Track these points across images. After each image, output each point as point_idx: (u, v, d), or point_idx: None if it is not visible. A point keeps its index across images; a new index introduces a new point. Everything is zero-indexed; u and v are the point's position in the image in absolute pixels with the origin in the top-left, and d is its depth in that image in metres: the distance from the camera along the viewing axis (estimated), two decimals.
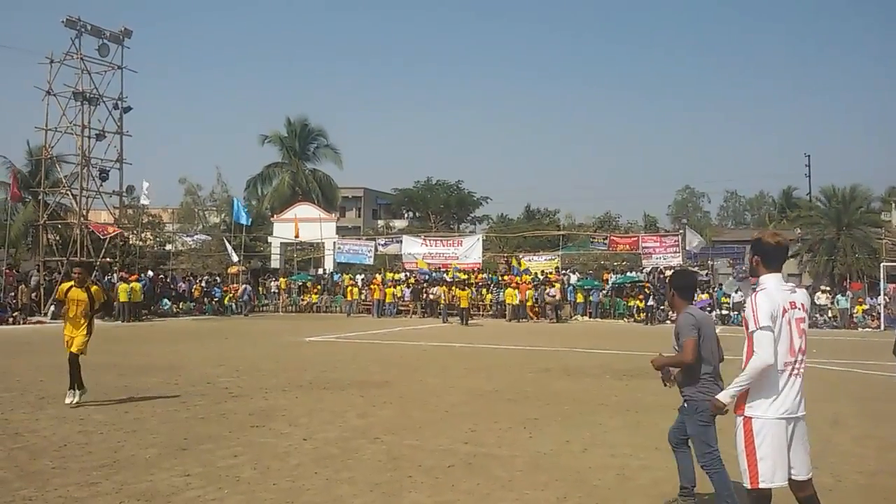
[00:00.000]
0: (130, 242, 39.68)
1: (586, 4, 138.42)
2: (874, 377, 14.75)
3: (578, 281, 36.60)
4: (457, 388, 12.10)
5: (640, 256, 38.33)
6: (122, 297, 29.69)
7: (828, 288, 35.36)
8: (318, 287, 40.57)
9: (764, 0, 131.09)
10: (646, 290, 34.16)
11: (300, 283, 40.88)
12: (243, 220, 39.57)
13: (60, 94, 33.12)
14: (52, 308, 29.77)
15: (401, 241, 43.04)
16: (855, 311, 32.87)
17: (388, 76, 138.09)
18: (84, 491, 6.08)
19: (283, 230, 43.45)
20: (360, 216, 74.46)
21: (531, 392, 11.81)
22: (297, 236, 41.13)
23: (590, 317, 34.76)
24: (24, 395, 10.89)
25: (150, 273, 35.36)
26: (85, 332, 10.31)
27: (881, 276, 32.67)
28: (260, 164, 60.06)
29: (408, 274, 39.87)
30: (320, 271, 43.51)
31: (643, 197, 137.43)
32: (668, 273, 36.88)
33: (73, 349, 10.15)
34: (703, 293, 35.18)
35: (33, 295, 30.52)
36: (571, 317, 34.96)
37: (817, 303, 33.03)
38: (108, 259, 33.84)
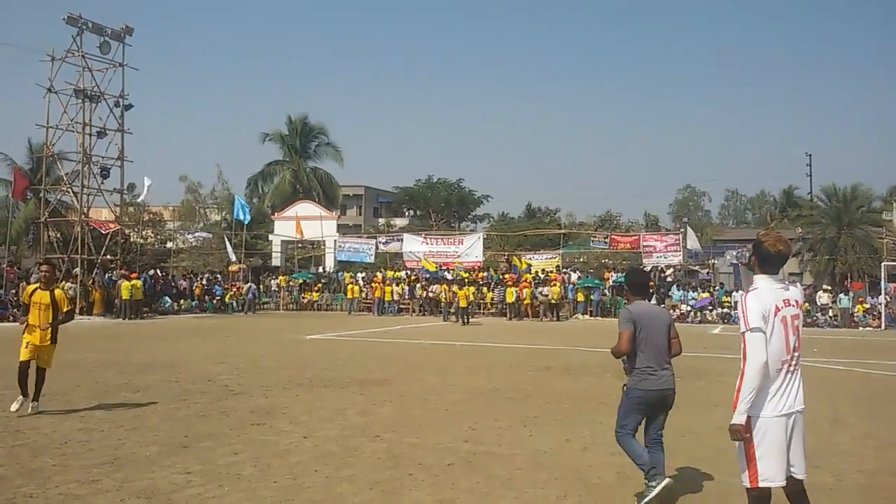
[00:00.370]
0: (131, 240, 39.71)
1: (587, 4, 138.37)
2: (875, 376, 14.74)
3: (579, 280, 36.60)
4: (457, 387, 12.11)
5: (641, 255, 38.30)
6: (125, 295, 29.74)
7: (829, 287, 35.32)
8: (319, 285, 40.60)
9: (768, 2, 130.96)
10: (650, 288, 34.12)
11: (301, 281, 40.92)
12: (241, 217, 39.56)
13: (62, 91, 33.10)
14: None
15: (401, 240, 43.06)
16: (856, 310, 32.85)
17: (389, 74, 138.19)
18: (85, 488, 6.09)
19: (284, 228, 43.47)
20: (360, 214, 74.46)
21: (531, 390, 11.81)
22: (301, 235, 41.12)
23: (591, 315, 34.75)
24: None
25: (150, 272, 35.41)
26: (50, 343, 9.35)
27: (882, 275, 32.64)
28: (261, 162, 60.23)
29: (409, 272, 39.88)
30: (321, 269, 43.54)
31: (644, 196, 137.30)
32: (669, 272, 37.03)
33: (41, 363, 9.30)
34: (703, 291, 35.22)
35: None
36: (572, 315, 34.96)
37: (819, 302, 33.02)
38: (108, 256, 33.85)
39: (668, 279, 36.58)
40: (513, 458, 7.33)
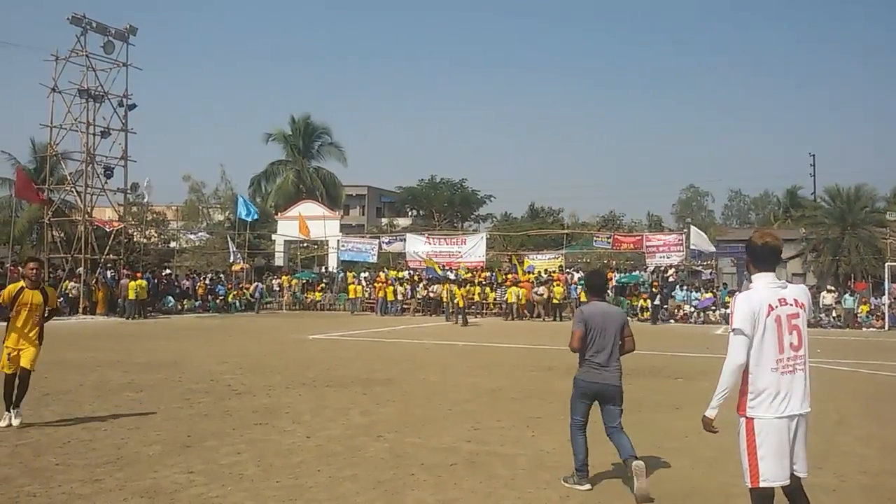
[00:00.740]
0: (134, 240, 39.77)
1: (591, 3, 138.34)
2: (879, 377, 14.72)
3: (581, 280, 36.54)
4: (459, 387, 12.11)
5: (644, 255, 38.27)
6: (131, 295, 29.79)
7: (833, 288, 35.26)
8: (322, 285, 40.62)
9: (771, 2, 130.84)
10: (653, 288, 34.08)
11: (304, 281, 40.97)
12: (244, 216, 39.57)
13: (65, 91, 33.15)
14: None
15: (404, 240, 43.08)
16: (860, 311, 32.80)
17: (393, 74, 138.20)
18: (88, 487, 6.10)
19: (287, 228, 43.50)
20: (363, 214, 74.48)
21: (534, 390, 11.81)
22: (306, 234, 41.12)
23: None
24: (29, 392, 10.87)
25: (165, 272, 35.52)
26: (37, 343, 8.60)
27: (886, 275, 32.58)
28: (264, 162, 60.24)
29: (411, 272, 39.90)
30: (324, 269, 43.56)
31: (647, 196, 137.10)
32: (671, 272, 36.97)
33: (24, 363, 8.42)
34: (707, 292, 35.17)
35: None
36: None
37: (823, 303, 32.96)
38: (112, 256, 33.90)
39: (671, 279, 36.54)
40: (515, 459, 7.34)
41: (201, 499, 5.88)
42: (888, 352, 19.83)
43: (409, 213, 71.40)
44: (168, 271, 38.74)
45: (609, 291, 35.76)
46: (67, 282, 31.11)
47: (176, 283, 36.78)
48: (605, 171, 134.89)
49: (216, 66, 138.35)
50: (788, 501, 4.48)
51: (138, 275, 31.54)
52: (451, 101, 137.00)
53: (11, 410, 8.40)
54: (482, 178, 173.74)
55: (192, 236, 46.23)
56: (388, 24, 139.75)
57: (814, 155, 55.83)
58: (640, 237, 40.09)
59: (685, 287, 35.77)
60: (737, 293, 4.43)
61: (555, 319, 33.26)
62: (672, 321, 33.40)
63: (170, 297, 34.45)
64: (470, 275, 38.03)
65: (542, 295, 33.79)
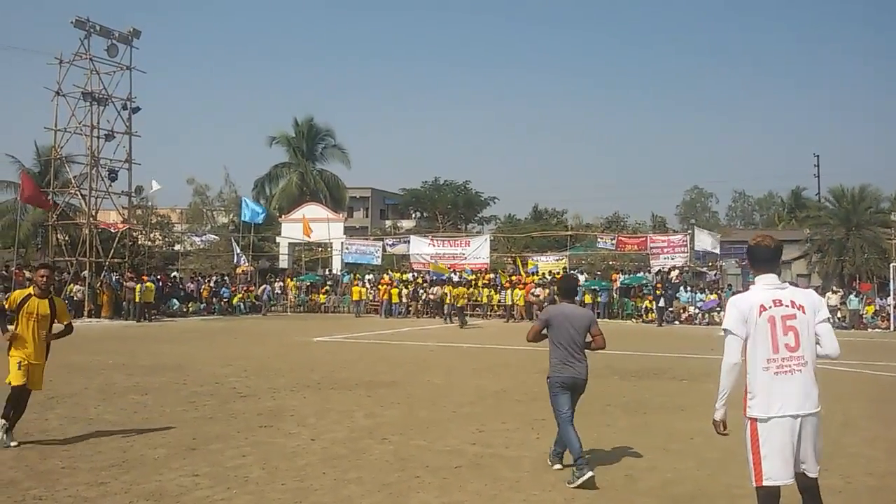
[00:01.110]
0: (139, 243, 39.83)
1: (594, 4, 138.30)
2: (884, 378, 14.68)
3: (586, 281, 36.54)
4: (464, 389, 12.11)
5: (649, 257, 38.20)
6: (138, 298, 29.84)
7: (839, 290, 35.18)
8: (327, 287, 40.65)
9: (774, 2, 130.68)
10: (657, 290, 34.04)
11: (308, 284, 41.01)
12: (247, 218, 39.60)
13: (69, 94, 33.21)
14: None
15: (408, 242, 43.06)
16: (865, 311, 32.71)
17: (396, 76, 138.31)
18: (93, 491, 6.11)
19: (291, 230, 43.53)
20: (367, 216, 74.52)
21: (538, 392, 11.74)
22: (308, 234, 41.13)
23: (598, 317, 34.62)
24: (33, 394, 10.88)
25: (175, 275, 35.61)
26: (44, 360, 7.92)
27: (891, 276, 32.50)
28: (268, 164, 60.26)
29: (415, 274, 39.89)
30: (328, 271, 43.58)
31: (651, 197, 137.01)
32: (674, 273, 36.90)
33: (35, 384, 7.80)
34: (711, 293, 35.10)
35: None
36: None
37: (828, 304, 32.86)
38: (117, 259, 33.95)
39: (674, 280, 36.48)
40: (520, 461, 7.33)
41: (206, 501, 5.88)
42: (893, 353, 19.76)
43: (413, 215, 71.42)
44: (175, 273, 38.75)
45: (615, 293, 35.88)
46: (72, 285, 31.16)
47: (181, 286, 36.82)
48: (608, 173, 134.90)
49: (219, 68, 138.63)
50: (803, 501, 4.48)
51: (144, 277, 31.59)
52: (454, 102, 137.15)
53: (4, 434, 7.56)
54: (486, 180, 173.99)
55: (197, 239, 46.30)
56: (391, 25, 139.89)
57: (818, 156, 55.82)
58: (644, 238, 40.00)
59: (690, 288, 35.71)
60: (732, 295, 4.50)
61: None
62: (677, 322, 33.34)
63: (174, 300, 34.49)
64: (473, 277, 38.02)
65: (538, 297, 33.75)
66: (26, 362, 7.63)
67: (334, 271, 42.85)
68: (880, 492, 6.51)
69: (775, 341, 4.29)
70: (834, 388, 12.17)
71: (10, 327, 7.81)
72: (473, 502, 6.00)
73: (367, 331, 25.84)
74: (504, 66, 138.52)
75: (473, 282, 37.52)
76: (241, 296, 37.40)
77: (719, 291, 35.32)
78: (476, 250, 40.71)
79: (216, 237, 46.55)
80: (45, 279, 7.94)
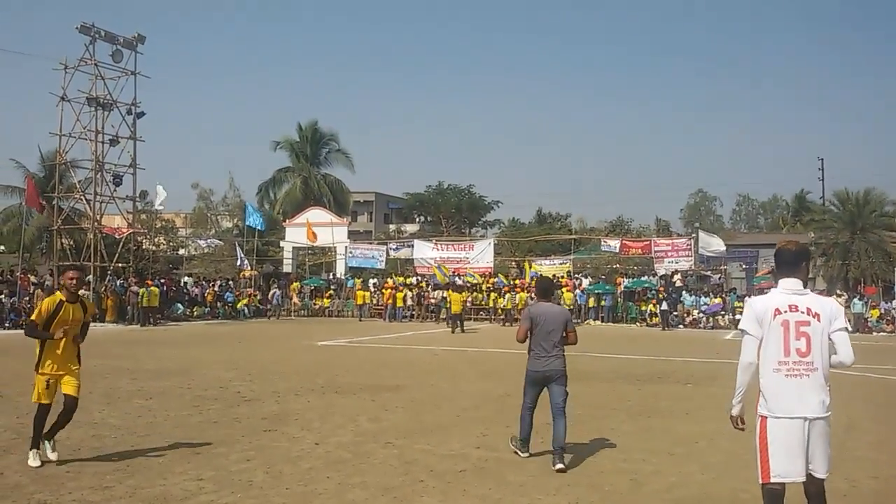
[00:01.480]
0: (143, 247, 39.90)
1: (598, 8, 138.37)
2: (889, 382, 14.64)
3: (590, 285, 36.51)
4: (468, 393, 12.10)
5: (653, 260, 38.15)
6: (145, 302, 29.88)
7: (843, 293, 35.10)
8: (331, 291, 40.68)
9: (777, 3, 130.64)
10: (660, 294, 34.01)
11: (312, 288, 41.05)
12: (254, 224, 39.69)
13: (74, 99, 33.33)
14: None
15: (412, 246, 43.06)
16: (870, 315, 32.63)
17: (400, 81, 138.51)
18: (98, 495, 6.11)
19: (295, 235, 43.58)
20: (371, 220, 74.61)
21: (542, 396, 11.77)
22: (313, 240, 41.17)
23: (602, 321, 34.66)
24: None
25: (185, 279, 35.69)
26: (78, 366, 7.41)
27: (895, 280, 32.44)
28: (272, 168, 60.39)
29: (419, 278, 39.89)
30: (332, 276, 43.59)
31: (655, 201, 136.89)
32: (677, 277, 36.84)
33: (70, 391, 7.22)
34: (715, 297, 35.05)
35: None
36: (584, 321, 34.89)
37: None
38: (121, 264, 34.03)
39: (677, 284, 36.44)
40: (525, 465, 7.32)
41: None
42: None
43: (417, 220, 71.47)
44: (187, 279, 38.78)
45: (619, 297, 35.84)
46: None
47: (185, 290, 36.87)
48: (613, 177, 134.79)
49: (224, 73, 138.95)
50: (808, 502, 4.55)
51: (149, 282, 31.65)
52: (458, 106, 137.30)
53: (46, 442, 7.22)
54: (490, 184, 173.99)
55: (202, 242, 46.40)
56: (395, 30, 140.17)
57: (822, 159, 55.70)
58: (648, 242, 39.90)
59: (695, 292, 35.66)
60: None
61: None
62: (681, 326, 33.30)
63: (179, 304, 34.53)
64: (476, 281, 38.00)
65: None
66: (55, 379, 7.14)
67: (338, 275, 42.87)
68: (885, 495, 6.50)
69: (787, 345, 4.42)
70: (838, 392, 12.10)
71: (48, 339, 7.11)
72: None
73: (371, 335, 25.85)
74: (507, 70, 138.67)
75: (477, 286, 37.53)
76: (245, 300, 37.45)
77: (723, 295, 35.27)
78: (480, 254, 40.69)
79: (220, 242, 46.64)
80: (74, 282, 7.42)
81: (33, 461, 7.01)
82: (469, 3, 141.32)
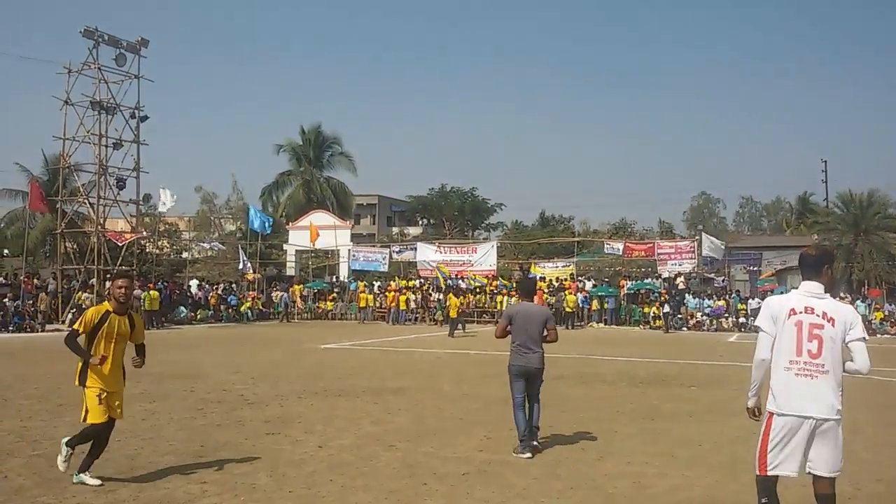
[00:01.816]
0: (147, 250, 39.94)
1: (599, 8, 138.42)
2: (893, 385, 14.60)
3: (593, 288, 36.48)
4: (471, 396, 12.10)
5: (656, 263, 38.11)
6: (147, 306, 29.88)
7: (847, 295, 35.03)
8: (334, 294, 40.69)
9: (780, 4, 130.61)
10: (662, 296, 33.97)
11: (315, 291, 41.06)
12: (257, 228, 39.73)
13: (78, 103, 33.40)
14: (70, 316, 30.02)
15: (415, 249, 43.07)
16: (873, 317, 32.56)
17: (403, 83, 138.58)
18: (101, 498, 6.12)
19: (298, 238, 43.61)
20: (374, 223, 74.64)
21: (546, 399, 11.69)
22: (314, 239, 41.15)
23: (605, 324, 34.62)
24: (42, 402, 10.97)
25: (199, 283, 35.75)
26: (123, 386, 6.78)
27: None
28: (275, 172, 60.46)
29: (422, 281, 39.89)
30: (335, 279, 43.61)
31: (658, 203, 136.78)
32: (680, 280, 36.80)
33: (117, 413, 6.68)
34: (719, 299, 35.01)
35: (51, 303, 30.76)
36: (587, 324, 34.90)
37: None
38: (125, 267, 34.06)
39: (681, 286, 36.40)
40: (528, 468, 7.32)
41: None
42: None
43: (420, 222, 71.51)
44: (194, 282, 38.83)
45: (623, 300, 35.80)
46: (81, 293, 31.28)
47: (189, 294, 36.92)
48: (616, 179, 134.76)
49: (226, 76, 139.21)
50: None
51: (150, 285, 31.67)
52: (461, 109, 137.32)
53: (84, 474, 6.52)
54: (493, 187, 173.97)
55: (206, 245, 46.45)
56: (398, 32, 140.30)
57: (826, 161, 55.55)
58: (651, 244, 39.83)
59: (698, 295, 35.62)
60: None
61: (567, 328, 33.08)
62: (685, 329, 33.25)
63: (182, 308, 34.55)
64: (480, 284, 38.01)
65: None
66: (106, 394, 6.48)
67: (341, 278, 42.89)
68: (890, 498, 6.49)
69: (799, 345, 4.55)
70: (842, 395, 12.13)
71: (94, 353, 6.50)
72: None
73: (375, 338, 25.84)
74: (509, 73, 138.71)
75: (482, 288, 37.53)
76: (248, 303, 37.48)
77: (727, 297, 35.23)
78: (483, 257, 40.67)
79: (223, 245, 46.67)
80: (124, 291, 6.62)
81: (92, 480, 6.42)
82: (471, 4, 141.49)
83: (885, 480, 6.98)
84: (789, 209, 73.68)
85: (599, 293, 35.68)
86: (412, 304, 36.86)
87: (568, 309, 33.59)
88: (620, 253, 39.26)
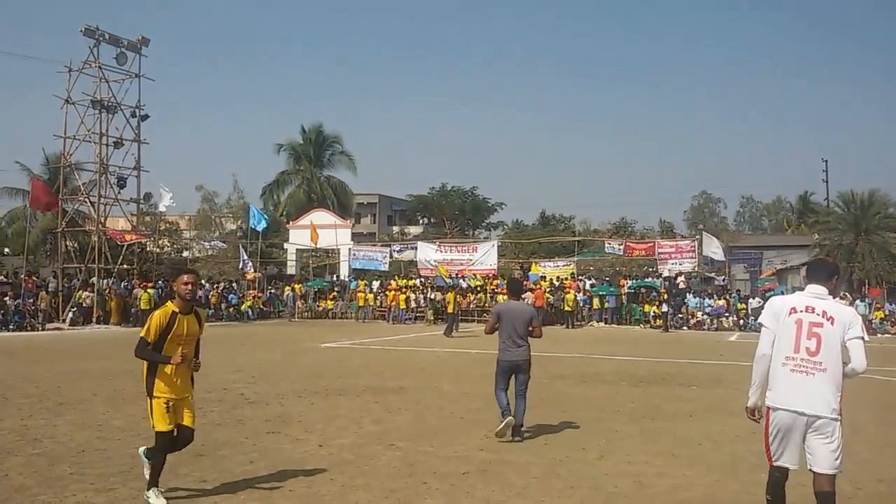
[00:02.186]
0: (148, 249, 39.96)
1: (600, 8, 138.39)
2: (894, 384, 14.60)
3: (594, 287, 36.47)
4: (472, 395, 12.09)
5: (657, 262, 38.10)
6: (143, 305, 29.87)
7: (847, 295, 35.02)
8: (334, 293, 40.71)
9: (781, 4, 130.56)
10: (661, 295, 33.96)
11: (315, 290, 41.09)
12: (257, 226, 39.75)
13: (79, 102, 33.44)
14: (71, 315, 30.05)
15: (416, 248, 43.07)
16: (874, 317, 32.55)
17: (403, 82, 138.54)
18: (102, 497, 6.12)
19: (298, 237, 43.63)
20: (375, 222, 74.66)
21: (546, 398, 11.77)
22: (315, 241, 41.19)
23: (605, 323, 34.62)
24: (42, 401, 10.97)
25: (209, 286, 35.83)
26: (192, 390, 6.28)
27: None
28: (275, 171, 60.53)
29: (423, 280, 39.89)
30: (335, 278, 43.62)
31: (659, 203, 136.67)
32: (680, 279, 36.78)
33: (188, 421, 6.11)
34: (719, 299, 34.99)
35: (51, 301, 30.79)
36: (587, 323, 34.89)
37: None
38: (125, 266, 34.07)
39: (681, 286, 36.38)
40: (528, 467, 7.31)
41: None
42: None
43: (421, 221, 71.51)
44: (206, 284, 38.89)
45: (623, 299, 35.78)
46: (81, 291, 31.29)
47: None
48: (616, 178, 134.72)
49: (227, 75, 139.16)
50: (816, 501, 4.75)
51: (146, 284, 31.66)
52: (462, 108, 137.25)
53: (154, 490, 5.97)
54: (493, 186, 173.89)
55: (207, 244, 46.46)
56: (399, 32, 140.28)
57: (826, 160, 55.50)
58: (651, 244, 39.82)
59: (699, 294, 35.59)
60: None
61: (568, 327, 33.11)
62: (685, 328, 33.24)
63: None
64: (480, 282, 38.02)
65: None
66: (174, 402, 6.00)
67: (342, 277, 42.91)
68: (891, 498, 6.49)
69: (798, 342, 4.68)
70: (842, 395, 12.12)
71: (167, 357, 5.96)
72: None
73: (375, 337, 25.84)
74: (510, 72, 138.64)
75: (482, 287, 37.53)
76: (249, 302, 37.49)
77: (727, 297, 35.22)
78: (484, 256, 40.66)
79: (224, 244, 46.69)
80: (190, 288, 6.10)
81: (156, 501, 5.88)
82: (472, 4, 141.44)
83: (885, 480, 6.98)
84: (790, 209, 73.69)
85: (600, 292, 35.66)
86: (412, 304, 36.85)
87: (567, 308, 33.61)
88: (621, 252, 39.26)
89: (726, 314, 33.85)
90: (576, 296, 34.51)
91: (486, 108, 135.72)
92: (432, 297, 35.65)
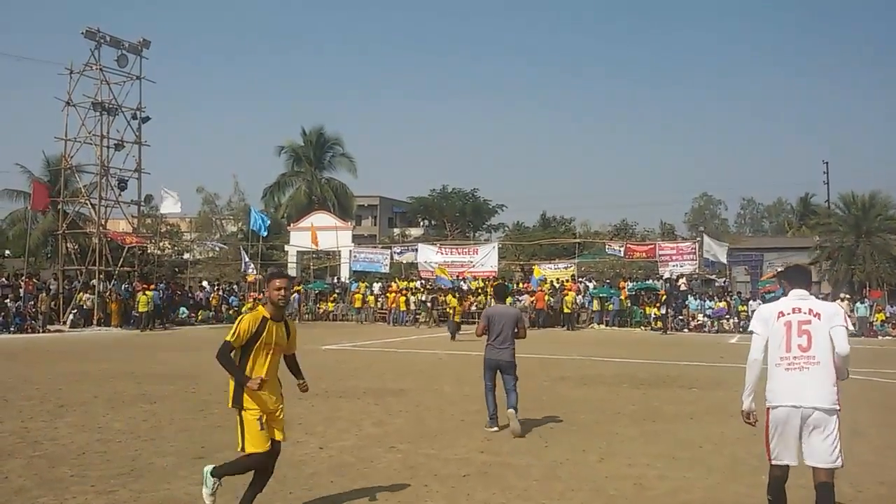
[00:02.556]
0: (148, 251, 39.98)
1: (601, 8, 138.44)
2: (894, 386, 14.58)
3: (594, 289, 36.44)
4: (472, 397, 12.07)
5: (657, 264, 38.06)
6: (142, 308, 29.88)
7: (847, 295, 34.97)
8: (335, 295, 40.69)
9: (780, 5, 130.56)
10: (661, 297, 33.93)
11: (316, 292, 41.07)
12: (258, 230, 39.77)
13: (80, 104, 33.45)
14: (71, 317, 30.05)
15: (416, 250, 43.06)
16: (874, 319, 32.51)
17: (404, 84, 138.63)
18: (102, 499, 6.12)
19: (299, 239, 43.63)
20: (375, 224, 74.63)
21: (547, 401, 11.77)
22: (316, 245, 41.20)
23: (606, 325, 34.59)
24: (42, 403, 10.97)
25: (212, 286, 35.82)
26: (282, 403, 5.77)
27: None
28: (276, 173, 60.49)
29: (423, 282, 39.89)
30: (336, 280, 43.62)
31: (660, 205, 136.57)
32: (681, 281, 36.75)
33: (280, 434, 5.68)
34: (720, 301, 34.95)
35: (52, 303, 30.79)
36: (588, 325, 34.86)
37: None
38: (126, 268, 34.07)
39: (682, 288, 36.34)
40: (529, 469, 7.31)
41: None
42: None
43: (421, 223, 71.48)
44: (205, 285, 38.81)
45: (626, 300, 35.75)
46: (82, 293, 31.30)
47: (190, 294, 36.88)
48: (617, 180, 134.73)
49: (229, 77, 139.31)
50: (816, 497, 4.85)
51: (146, 286, 31.66)
52: (462, 110, 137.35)
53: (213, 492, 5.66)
54: (494, 188, 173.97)
55: (211, 245, 46.44)
56: (400, 33, 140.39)
57: (827, 162, 55.47)
58: (652, 246, 39.78)
59: (699, 296, 35.56)
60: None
61: (568, 329, 33.09)
62: (686, 330, 33.21)
63: (183, 308, 34.55)
64: (480, 284, 38.01)
65: (525, 304, 33.73)
66: (265, 416, 5.52)
67: (342, 279, 42.90)
68: (892, 501, 6.48)
69: (789, 342, 4.89)
70: (843, 397, 12.10)
71: (250, 371, 5.51)
72: None
73: (376, 339, 25.83)
74: (511, 72, 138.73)
75: (482, 290, 37.52)
76: (250, 304, 37.47)
77: (728, 299, 35.17)
78: (484, 258, 40.65)
79: (225, 245, 46.69)
80: (283, 293, 5.58)
81: (207, 490, 5.61)
82: (472, 4, 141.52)
83: (887, 483, 6.97)
84: (791, 210, 73.64)
85: (601, 294, 35.64)
86: (412, 306, 36.84)
87: (566, 309, 33.60)
88: (621, 254, 39.22)
89: (727, 316, 33.81)
90: (575, 297, 34.50)
91: (486, 110, 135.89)
92: (429, 301, 35.61)
